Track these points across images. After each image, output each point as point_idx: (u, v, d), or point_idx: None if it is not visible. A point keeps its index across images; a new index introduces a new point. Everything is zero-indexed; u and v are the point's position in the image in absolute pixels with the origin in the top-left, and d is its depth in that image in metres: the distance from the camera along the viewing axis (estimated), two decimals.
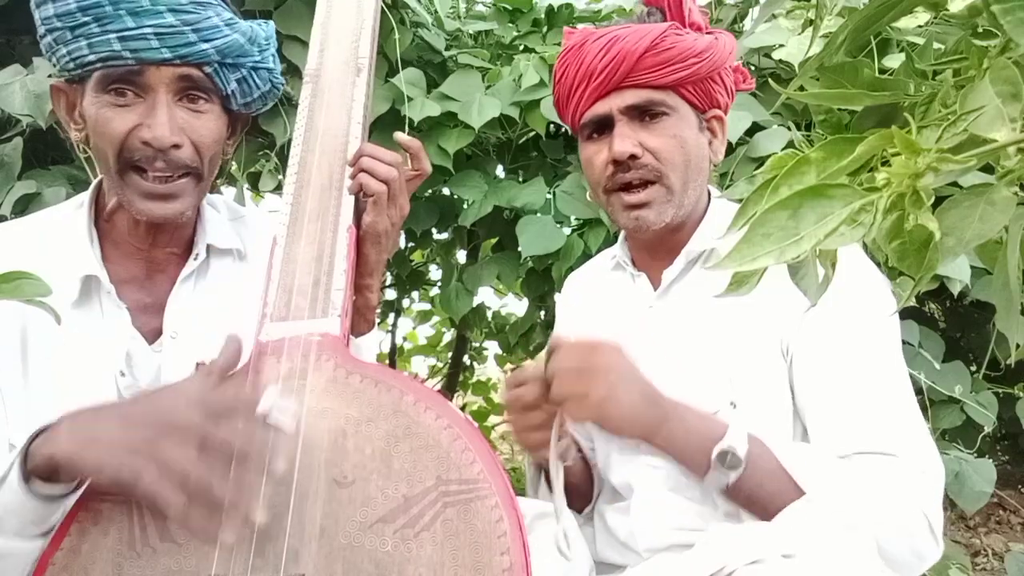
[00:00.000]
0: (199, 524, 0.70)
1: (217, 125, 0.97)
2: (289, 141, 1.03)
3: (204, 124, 0.95)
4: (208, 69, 0.94)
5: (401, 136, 0.98)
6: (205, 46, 0.92)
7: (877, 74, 0.54)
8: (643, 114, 1.03)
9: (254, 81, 0.99)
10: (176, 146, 0.91)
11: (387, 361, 3.01)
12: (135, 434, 0.72)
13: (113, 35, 0.88)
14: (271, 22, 1.04)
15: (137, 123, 0.91)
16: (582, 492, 1.16)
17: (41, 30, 0.92)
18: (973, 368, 1.85)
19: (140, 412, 0.74)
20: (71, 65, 0.92)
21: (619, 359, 0.88)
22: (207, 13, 0.92)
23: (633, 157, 1.02)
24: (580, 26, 2.02)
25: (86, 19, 0.88)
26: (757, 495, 0.88)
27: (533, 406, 0.93)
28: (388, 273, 2.11)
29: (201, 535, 0.71)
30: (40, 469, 0.74)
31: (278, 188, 1.89)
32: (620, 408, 0.86)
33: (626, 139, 1.02)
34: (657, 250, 1.11)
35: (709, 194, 1.13)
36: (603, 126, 1.06)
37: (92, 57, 0.89)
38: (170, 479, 0.69)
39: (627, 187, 1.04)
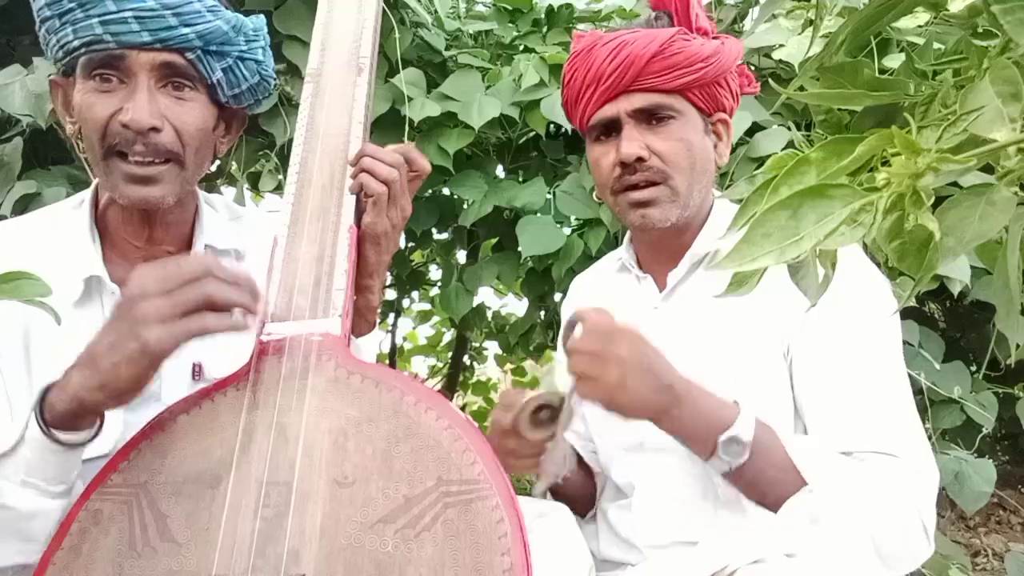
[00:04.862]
0: (229, 324, 0.76)
1: (202, 114, 0.97)
2: (289, 141, 1.03)
3: (187, 111, 0.95)
4: (191, 55, 0.93)
5: (391, 147, 0.98)
6: (186, 31, 0.92)
7: (877, 74, 0.54)
8: (650, 117, 1.04)
9: (241, 72, 0.99)
10: (155, 129, 0.91)
11: (387, 361, 3.01)
12: (117, 325, 0.76)
13: (95, 19, 0.89)
14: (262, 16, 1.04)
15: (118, 107, 0.91)
16: (583, 500, 1.16)
17: (37, 23, 0.93)
18: (973, 368, 1.85)
19: (113, 314, 0.78)
20: (60, 53, 0.93)
21: (635, 348, 0.87)
22: None
23: (640, 160, 1.03)
24: (580, 26, 2.03)
25: (71, 5, 0.89)
26: (758, 480, 0.88)
27: (509, 434, 0.93)
28: (388, 273, 2.11)
29: (225, 328, 0.77)
30: (61, 415, 0.77)
31: (278, 188, 1.88)
32: (629, 396, 0.86)
33: (633, 142, 1.03)
34: (662, 252, 1.12)
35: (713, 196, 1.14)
36: (611, 129, 1.07)
37: (77, 42, 0.90)
38: (170, 320, 0.74)
39: (633, 187, 1.05)
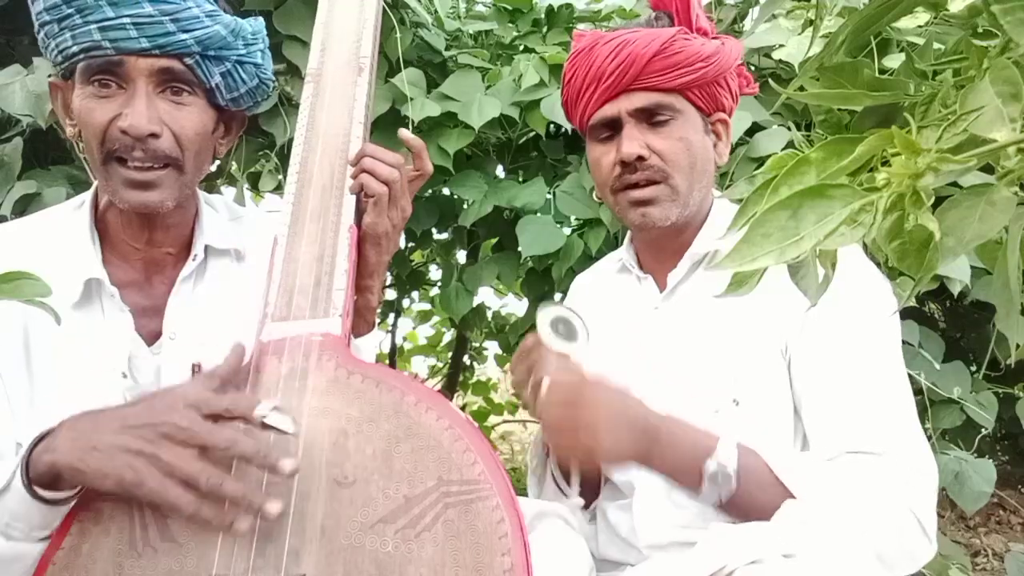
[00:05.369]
0: (210, 518, 0.71)
1: (201, 119, 0.97)
2: (289, 141, 1.03)
3: (186, 116, 0.95)
4: (189, 61, 0.93)
5: (405, 133, 0.98)
6: (184, 37, 0.92)
7: (877, 74, 0.54)
8: (650, 116, 1.05)
9: (240, 75, 0.98)
10: (154, 135, 0.91)
11: (387, 361, 3.01)
12: (134, 438, 0.73)
13: (94, 25, 0.89)
14: (260, 18, 1.04)
15: (117, 113, 0.91)
16: (589, 482, 1.16)
17: (36, 26, 0.93)
18: (973, 368, 1.85)
19: (138, 416, 0.75)
20: (59, 58, 0.93)
21: (603, 403, 0.87)
22: (187, 4, 0.92)
23: (640, 159, 1.04)
24: (580, 26, 2.03)
25: (70, 11, 0.89)
26: (750, 507, 0.88)
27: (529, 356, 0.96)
28: (388, 273, 2.11)
29: (213, 529, 0.72)
30: (43, 476, 0.74)
31: (278, 188, 1.88)
32: (606, 450, 0.87)
33: (634, 141, 1.04)
34: (662, 252, 1.12)
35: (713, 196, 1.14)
36: (611, 128, 1.07)
37: (75, 48, 0.90)
38: (173, 480, 0.71)
39: (634, 186, 1.05)
